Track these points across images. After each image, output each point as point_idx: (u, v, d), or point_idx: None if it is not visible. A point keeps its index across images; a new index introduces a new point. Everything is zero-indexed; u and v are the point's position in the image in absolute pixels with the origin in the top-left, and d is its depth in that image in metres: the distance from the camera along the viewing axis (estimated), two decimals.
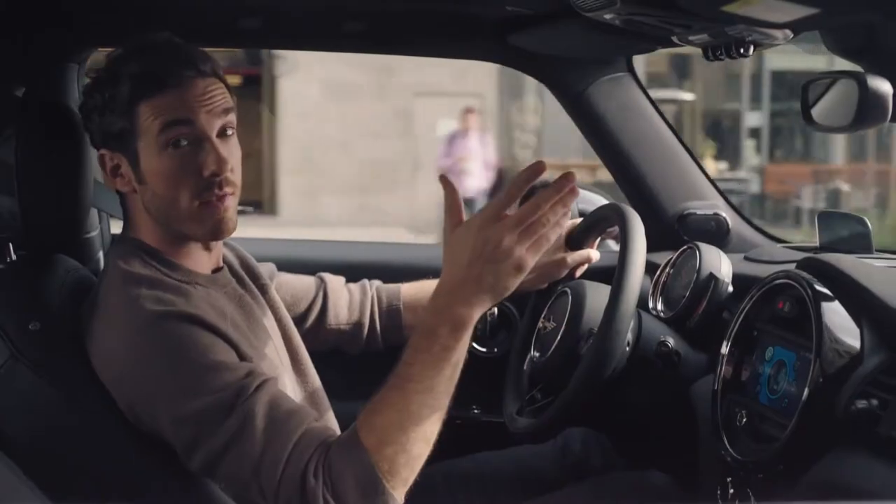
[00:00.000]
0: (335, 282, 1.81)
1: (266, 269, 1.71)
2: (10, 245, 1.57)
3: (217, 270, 1.54)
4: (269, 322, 1.57)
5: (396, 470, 1.27)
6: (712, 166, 12.04)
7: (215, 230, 1.45)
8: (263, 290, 1.62)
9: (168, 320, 1.35)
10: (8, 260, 1.57)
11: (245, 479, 1.30)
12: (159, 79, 1.41)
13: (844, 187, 11.59)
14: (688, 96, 14.18)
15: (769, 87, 14.25)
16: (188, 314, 1.36)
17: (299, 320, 1.72)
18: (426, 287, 1.81)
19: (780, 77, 13.96)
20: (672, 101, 13.28)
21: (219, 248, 1.55)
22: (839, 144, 13.64)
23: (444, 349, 1.27)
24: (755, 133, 14.45)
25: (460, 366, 1.29)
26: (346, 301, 1.79)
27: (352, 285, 1.81)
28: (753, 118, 14.44)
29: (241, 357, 1.38)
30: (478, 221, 1.26)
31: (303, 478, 1.27)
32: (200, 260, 1.51)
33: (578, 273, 1.85)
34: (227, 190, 1.44)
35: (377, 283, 1.84)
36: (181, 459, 1.36)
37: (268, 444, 1.29)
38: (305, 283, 1.78)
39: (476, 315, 1.27)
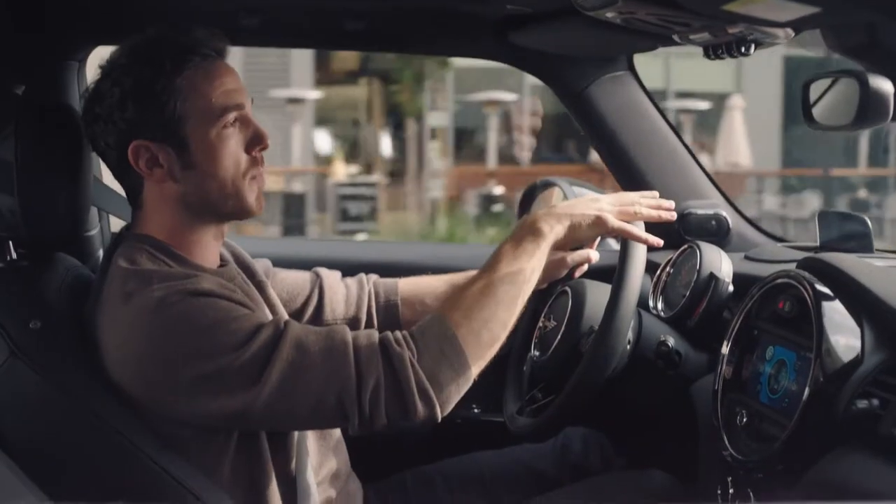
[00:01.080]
0: (331, 277, 1.80)
1: (261, 265, 1.70)
2: (10, 243, 1.57)
3: (222, 266, 1.55)
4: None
5: (478, 345, 1.39)
6: (342, 170, 11.62)
7: (258, 204, 1.50)
8: (260, 287, 1.61)
9: (179, 297, 1.36)
10: (8, 258, 1.57)
11: (316, 398, 1.33)
12: (198, 55, 1.43)
13: (497, 190, 11.15)
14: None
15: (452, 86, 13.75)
16: (197, 289, 1.37)
17: (296, 316, 1.71)
18: (423, 283, 1.82)
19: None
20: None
21: (221, 241, 1.55)
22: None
23: (526, 252, 1.48)
24: (439, 133, 13.84)
25: (536, 275, 1.48)
26: (343, 296, 1.79)
27: (349, 280, 1.81)
28: (437, 118, 13.79)
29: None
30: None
31: (384, 348, 1.34)
32: (209, 254, 1.51)
33: (578, 273, 1.85)
34: (264, 163, 1.50)
35: (374, 277, 1.84)
36: (211, 421, 1.37)
37: (328, 349, 1.35)
38: (301, 278, 1.77)
39: (550, 233, 1.50)
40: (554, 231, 1.51)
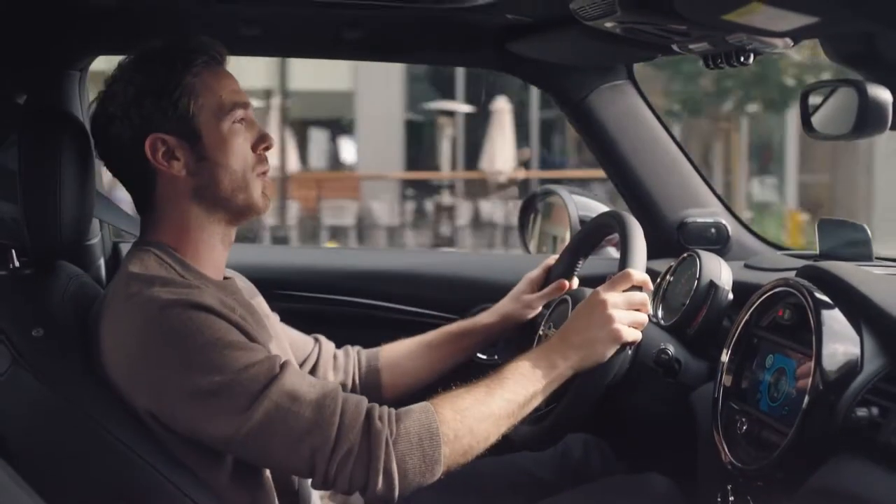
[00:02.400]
0: (328, 345, 1.85)
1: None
2: (13, 252, 1.57)
3: (227, 279, 1.57)
4: (272, 335, 1.58)
5: (456, 447, 1.40)
6: None
7: (265, 201, 1.54)
8: (265, 317, 1.64)
9: (179, 307, 1.38)
10: (11, 266, 1.57)
11: (291, 445, 1.35)
12: (207, 55, 1.50)
13: None
14: None
15: None
16: (198, 303, 1.39)
17: None
18: (402, 346, 1.87)
19: None
20: None
21: (226, 256, 1.57)
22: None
23: (536, 379, 1.50)
24: None
25: (536, 402, 1.50)
26: (333, 365, 1.84)
27: (338, 351, 1.86)
28: None
29: (254, 342, 1.42)
30: (604, 287, 1.58)
31: (367, 421, 1.36)
32: (215, 265, 1.53)
33: (575, 284, 1.86)
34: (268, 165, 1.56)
35: (358, 347, 1.89)
36: (193, 436, 1.38)
37: (318, 404, 1.36)
38: (303, 338, 1.82)
39: (565, 370, 1.53)
40: (572, 365, 1.54)
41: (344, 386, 1.83)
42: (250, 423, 1.34)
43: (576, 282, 1.88)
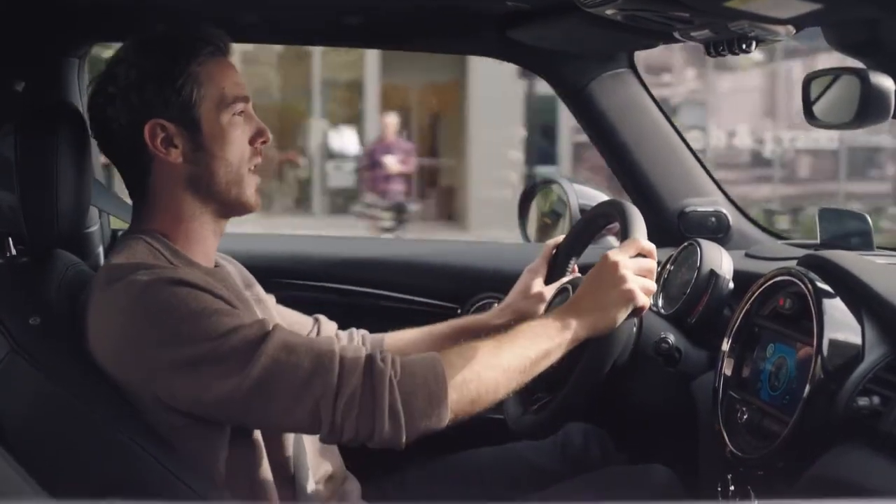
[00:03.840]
0: (328, 326, 1.84)
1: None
2: (10, 240, 1.57)
3: (216, 268, 1.56)
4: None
5: (462, 392, 1.37)
6: None
7: (256, 199, 1.54)
8: (259, 301, 1.64)
9: (161, 284, 1.37)
10: (8, 255, 1.57)
11: (293, 398, 1.33)
12: (213, 45, 1.49)
13: None
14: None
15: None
16: (181, 279, 1.38)
17: None
18: (407, 335, 1.85)
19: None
20: None
21: (216, 245, 1.57)
22: None
23: (548, 337, 1.47)
24: None
25: (546, 362, 1.47)
26: None
27: (340, 332, 1.85)
28: None
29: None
30: (614, 251, 1.55)
31: (369, 362, 1.34)
32: (206, 251, 1.53)
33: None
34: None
35: (363, 331, 1.87)
36: (188, 408, 1.37)
37: (315, 354, 1.35)
38: (302, 319, 1.81)
39: (579, 331, 1.49)
40: (584, 330, 1.50)
41: None
42: (249, 381, 1.33)
43: (576, 272, 1.87)
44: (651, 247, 1.58)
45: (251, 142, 1.52)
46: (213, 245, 1.55)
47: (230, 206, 1.53)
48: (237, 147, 1.50)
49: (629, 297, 1.51)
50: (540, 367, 1.46)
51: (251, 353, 1.34)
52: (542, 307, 1.81)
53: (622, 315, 1.52)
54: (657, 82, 13.70)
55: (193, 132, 1.48)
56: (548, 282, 1.83)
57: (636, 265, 1.54)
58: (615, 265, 1.52)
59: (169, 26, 1.51)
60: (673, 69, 14.70)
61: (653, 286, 1.55)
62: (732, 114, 15.39)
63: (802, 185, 14.88)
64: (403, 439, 1.35)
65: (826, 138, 14.53)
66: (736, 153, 15.28)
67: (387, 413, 1.33)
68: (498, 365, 1.41)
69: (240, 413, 1.38)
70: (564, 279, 1.81)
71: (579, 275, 1.83)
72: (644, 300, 1.53)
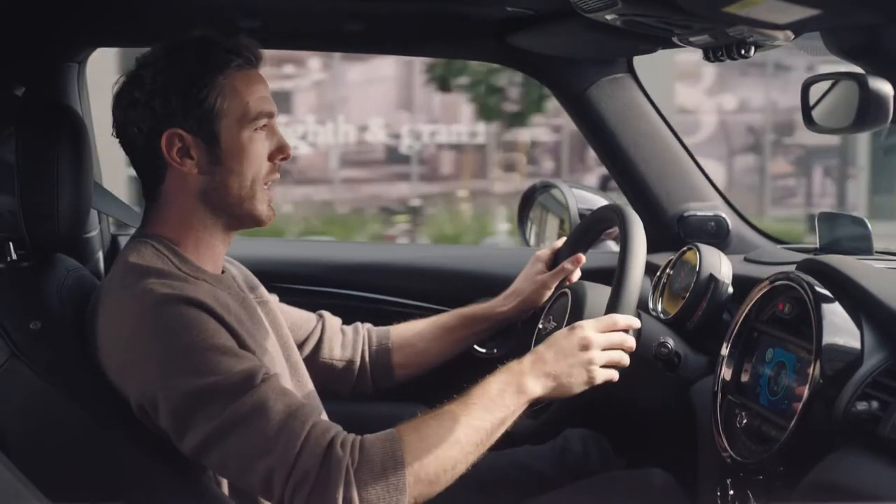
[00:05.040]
0: (333, 320, 1.84)
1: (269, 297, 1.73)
2: (11, 244, 1.57)
3: (222, 273, 1.56)
4: (268, 329, 1.58)
5: (421, 474, 1.34)
6: None
7: (270, 213, 1.53)
8: (263, 303, 1.64)
9: (173, 303, 1.37)
10: (8, 259, 1.57)
11: (251, 460, 1.31)
12: (241, 59, 1.47)
13: None
14: None
15: None
16: (194, 299, 1.38)
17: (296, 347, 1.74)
18: (412, 327, 1.86)
19: None
20: None
21: (226, 250, 1.57)
22: None
23: (504, 405, 1.43)
24: None
25: (503, 428, 1.44)
26: (340, 340, 1.83)
27: (345, 327, 1.85)
28: None
29: (244, 349, 1.40)
30: (590, 324, 1.55)
31: (329, 447, 1.31)
32: (213, 260, 1.53)
33: (575, 277, 1.85)
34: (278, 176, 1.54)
35: (368, 325, 1.88)
36: (173, 440, 1.36)
37: (284, 423, 1.32)
38: (305, 315, 1.81)
39: (537, 393, 1.47)
40: (540, 392, 1.48)
41: (353, 363, 1.82)
42: (215, 431, 1.32)
43: (576, 275, 1.87)
44: (631, 321, 1.58)
45: (271, 157, 1.51)
46: (221, 252, 1.55)
47: (241, 220, 1.52)
48: (255, 162, 1.49)
49: (590, 379, 1.52)
50: (496, 436, 1.43)
51: (228, 404, 1.32)
52: (547, 294, 1.84)
53: (579, 390, 1.52)
54: (278, 74, 12.91)
55: (211, 145, 1.46)
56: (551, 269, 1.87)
57: (607, 341, 1.54)
58: (586, 343, 1.52)
59: (206, 33, 1.49)
60: (295, 60, 13.40)
61: (622, 359, 1.55)
62: (364, 106, 13.90)
63: (445, 183, 13.90)
64: None
65: (468, 133, 13.56)
66: (368, 149, 14.10)
67: (341, 501, 1.29)
68: (456, 441, 1.37)
69: (198, 453, 1.36)
70: (580, 264, 1.83)
71: (581, 279, 1.84)
72: (606, 376, 1.53)
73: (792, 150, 14.10)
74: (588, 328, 1.54)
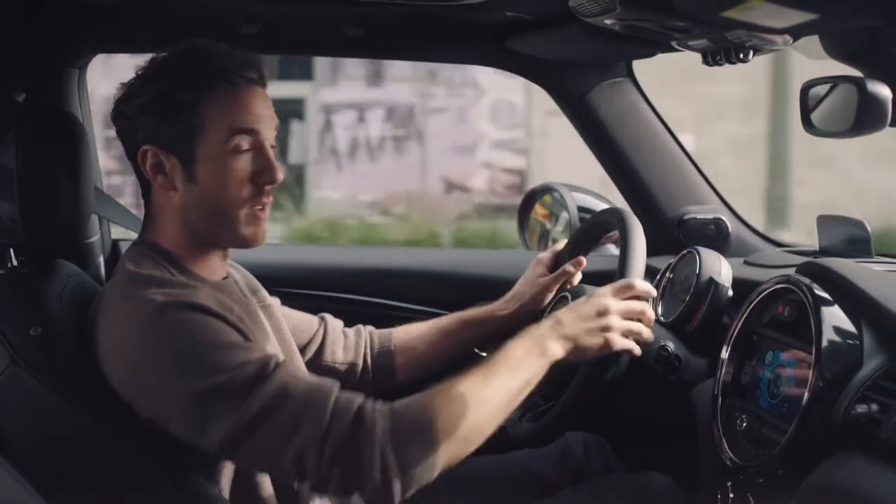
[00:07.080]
0: (335, 323, 1.84)
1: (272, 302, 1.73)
2: (11, 250, 1.57)
3: (224, 279, 1.56)
4: (270, 332, 1.58)
5: (453, 437, 1.34)
6: None
7: (254, 236, 1.49)
8: (266, 307, 1.64)
9: (174, 309, 1.36)
10: (9, 265, 1.57)
11: (281, 443, 1.31)
12: (228, 79, 1.43)
13: None
14: None
15: None
16: (195, 304, 1.38)
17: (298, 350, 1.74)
18: (414, 329, 1.86)
19: None
20: None
21: (227, 259, 1.57)
22: None
23: (528, 366, 1.45)
24: None
25: (528, 389, 1.45)
26: (342, 343, 1.83)
27: (347, 329, 1.85)
28: None
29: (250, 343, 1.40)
30: (606, 290, 1.57)
31: (358, 415, 1.31)
32: (212, 267, 1.53)
33: (576, 280, 1.86)
34: (271, 199, 1.50)
35: (370, 327, 1.88)
36: (192, 441, 1.35)
37: (308, 401, 1.32)
38: (307, 318, 1.81)
39: (559, 355, 1.48)
40: (561, 354, 1.49)
41: (356, 366, 1.82)
42: (239, 425, 1.31)
43: (577, 278, 1.88)
44: (647, 287, 1.59)
45: (253, 179, 1.46)
46: (219, 262, 1.54)
47: (222, 239, 1.51)
48: (233, 184, 1.45)
49: (607, 344, 1.52)
50: (522, 396, 1.45)
51: (246, 396, 1.32)
52: (548, 297, 1.84)
53: (595, 353, 1.53)
54: None
55: (187, 163, 1.44)
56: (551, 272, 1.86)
57: (625, 308, 1.55)
58: (604, 308, 1.53)
59: (204, 44, 1.47)
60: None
61: (641, 329, 1.56)
62: None
63: None
64: (396, 494, 1.32)
65: None
66: None
67: (377, 470, 1.30)
68: (485, 401, 1.39)
69: (227, 453, 1.37)
70: (580, 267, 1.83)
71: (582, 284, 1.84)
72: (623, 345, 1.54)
73: None
74: (606, 296, 1.55)
